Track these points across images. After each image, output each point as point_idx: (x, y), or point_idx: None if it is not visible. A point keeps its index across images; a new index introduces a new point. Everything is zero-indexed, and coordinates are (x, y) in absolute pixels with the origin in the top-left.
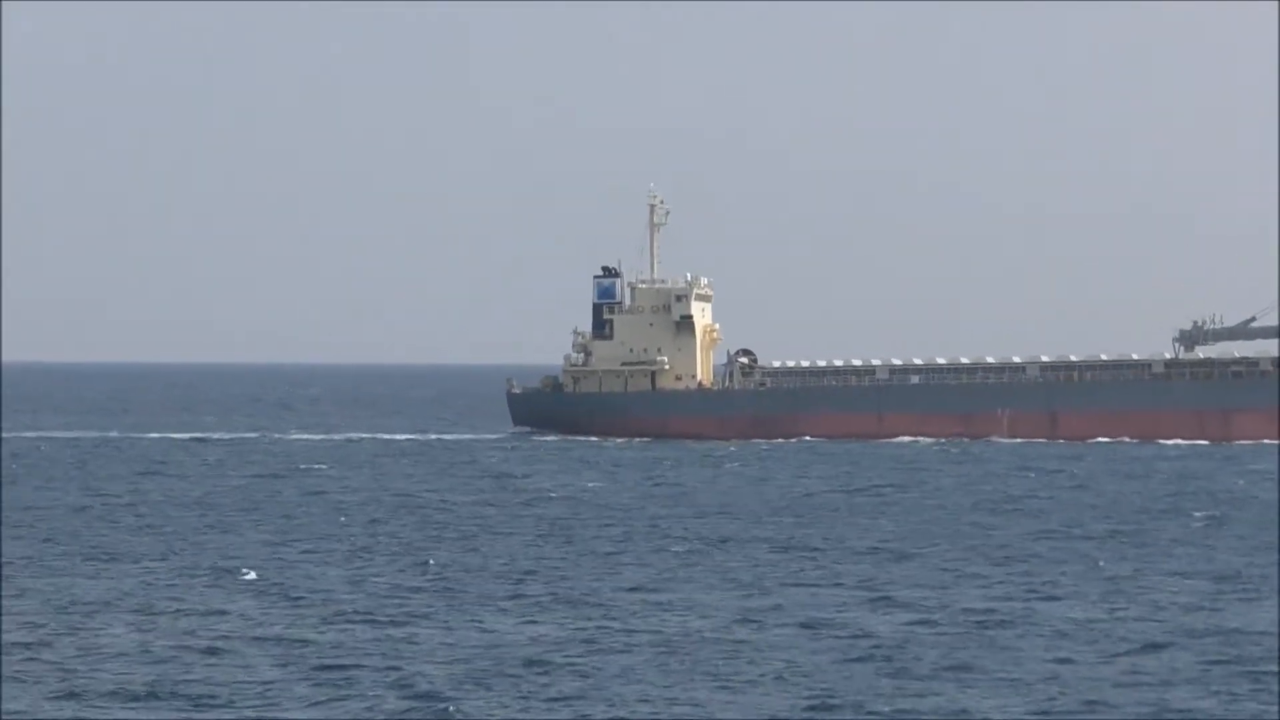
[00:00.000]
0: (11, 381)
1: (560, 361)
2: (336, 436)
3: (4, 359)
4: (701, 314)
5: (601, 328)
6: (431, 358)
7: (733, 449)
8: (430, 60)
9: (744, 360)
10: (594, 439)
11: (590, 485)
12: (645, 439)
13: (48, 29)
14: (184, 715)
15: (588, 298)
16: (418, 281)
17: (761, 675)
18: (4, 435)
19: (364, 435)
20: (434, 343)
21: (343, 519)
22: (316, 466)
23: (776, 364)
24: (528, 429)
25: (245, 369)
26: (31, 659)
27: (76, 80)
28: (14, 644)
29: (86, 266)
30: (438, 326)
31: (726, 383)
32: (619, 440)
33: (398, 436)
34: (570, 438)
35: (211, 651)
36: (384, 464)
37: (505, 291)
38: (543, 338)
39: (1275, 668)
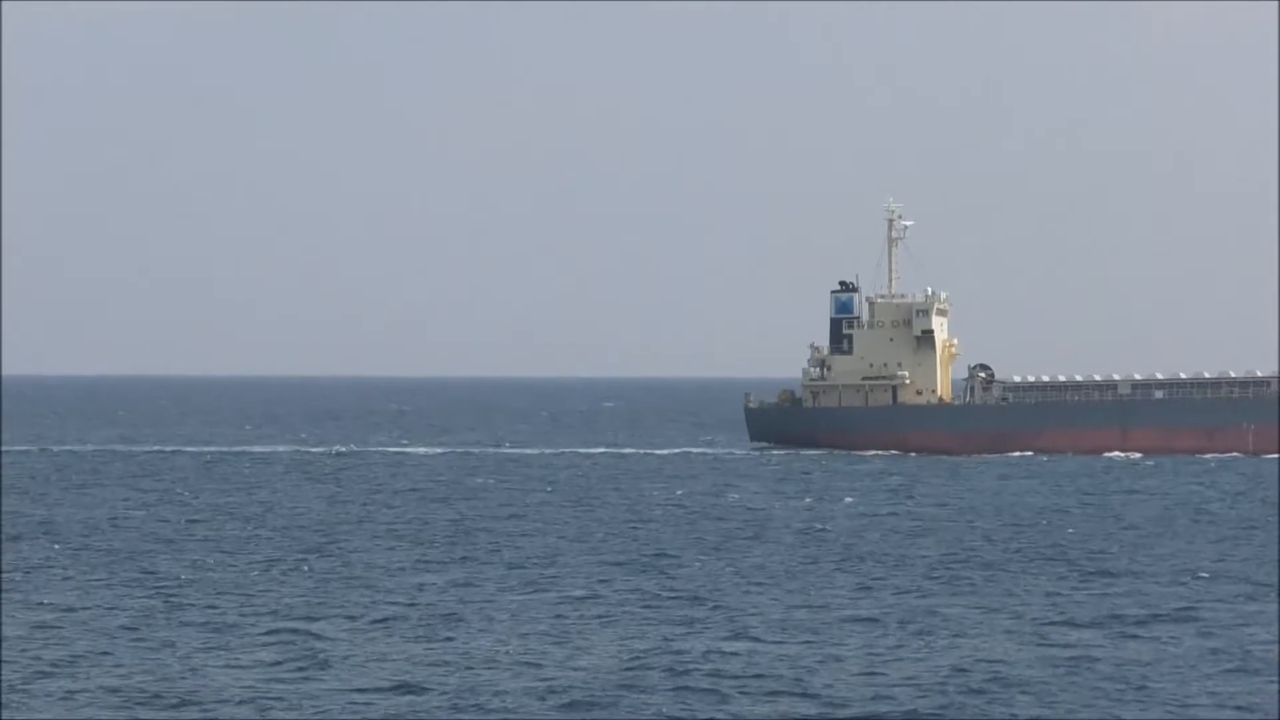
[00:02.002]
0: (129, 394)
1: (797, 376)
2: (628, 449)
3: (3, 371)
4: (940, 328)
5: (840, 342)
6: (664, 371)
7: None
8: (651, 69)
9: (982, 375)
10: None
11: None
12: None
13: (47, 29)
14: None
15: (825, 312)
16: (653, 295)
17: None
18: (244, 449)
19: (630, 450)
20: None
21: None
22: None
23: (1017, 379)
24: (765, 444)
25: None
26: None
27: (75, 81)
28: None
29: (83, 274)
30: (674, 341)
31: (967, 397)
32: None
33: (660, 451)
34: (827, 452)
35: None
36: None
37: (742, 306)
38: (779, 352)
39: None
